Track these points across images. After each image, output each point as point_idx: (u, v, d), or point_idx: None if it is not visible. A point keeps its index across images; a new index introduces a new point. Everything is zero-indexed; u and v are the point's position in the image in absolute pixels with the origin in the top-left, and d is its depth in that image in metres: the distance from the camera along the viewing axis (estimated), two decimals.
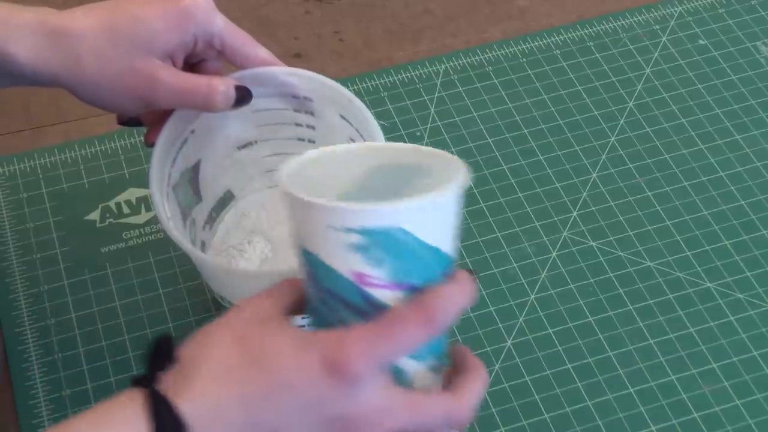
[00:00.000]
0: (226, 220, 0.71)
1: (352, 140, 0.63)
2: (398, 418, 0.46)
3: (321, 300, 0.47)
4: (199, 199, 0.67)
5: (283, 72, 0.62)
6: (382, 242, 0.44)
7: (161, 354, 0.46)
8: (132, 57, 0.57)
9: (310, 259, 0.46)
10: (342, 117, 0.63)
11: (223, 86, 0.59)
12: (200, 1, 0.58)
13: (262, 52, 0.61)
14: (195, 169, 0.66)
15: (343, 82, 0.83)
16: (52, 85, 0.58)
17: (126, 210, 0.75)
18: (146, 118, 0.63)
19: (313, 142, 0.66)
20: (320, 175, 0.49)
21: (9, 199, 0.76)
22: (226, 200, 0.71)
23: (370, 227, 0.44)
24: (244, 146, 0.68)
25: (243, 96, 0.60)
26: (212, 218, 0.70)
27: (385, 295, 0.45)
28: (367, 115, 0.61)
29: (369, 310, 0.45)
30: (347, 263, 0.45)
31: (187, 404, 0.44)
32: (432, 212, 0.45)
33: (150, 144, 0.62)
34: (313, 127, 0.65)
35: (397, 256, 0.45)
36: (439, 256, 0.46)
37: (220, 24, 0.59)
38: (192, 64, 0.61)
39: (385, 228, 0.44)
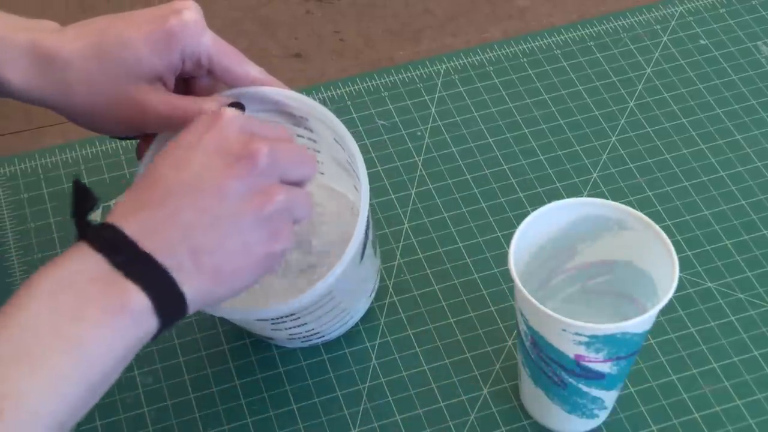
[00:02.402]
0: None
1: (348, 163, 0.63)
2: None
3: (539, 357, 0.59)
4: None
5: (276, 93, 0.61)
6: (604, 341, 0.56)
7: (80, 197, 0.52)
8: (120, 84, 0.57)
9: (536, 335, 0.58)
10: (335, 141, 0.63)
11: (215, 110, 0.58)
12: (187, 20, 0.57)
13: (253, 70, 0.60)
14: None
15: (344, 82, 0.83)
16: (48, 108, 0.59)
17: None
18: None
19: (319, 152, 0.66)
20: (534, 228, 0.60)
21: (10, 200, 0.76)
22: None
23: (598, 335, 0.56)
24: None
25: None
26: None
27: (598, 365, 0.58)
28: (354, 150, 0.60)
29: (582, 372, 0.58)
30: (572, 350, 0.57)
31: (121, 218, 0.50)
32: (649, 320, 0.57)
33: (141, 157, 0.62)
34: (314, 140, 0.65)
35: (615, 345, 0.57)
36: (646, 332, 0.58)
37: (208, 43, 0.58)
38: (185, 79, 0.61)
39: (609, 334, 0.56)
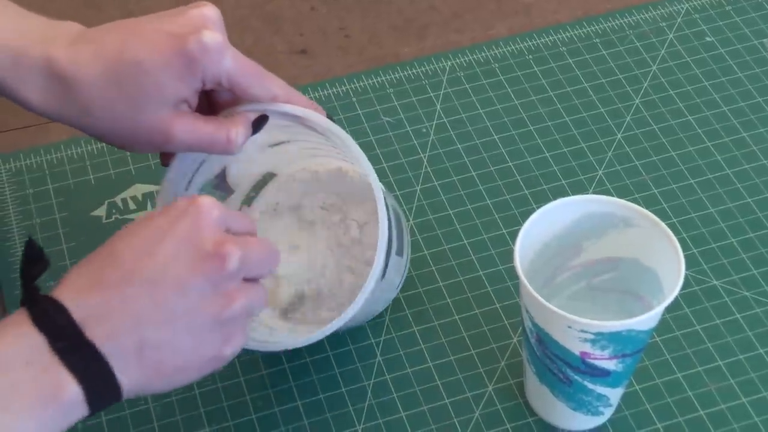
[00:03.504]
0: (265, 195, 0.70)
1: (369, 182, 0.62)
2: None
3: (545, 354, 0.59)
4: (230, 192, 0.67)
5: (297, 111, 0.60)
6: (610, 338, 0.56)
7: (31, 260, 0.49)
8: (142, 111, 0.55)
9: (542, 332, 0.58)
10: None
11: (242, 134, 0.58)
12: (208, 43, 0.55)
13: (275, 88, 0.59)
14: (221, 175, 0.66)
15: (349, 79, 0.84)
16: (69, 126, 0.58)
17: (132, 206, 0.76)
18: None
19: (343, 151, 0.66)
20: (539, 226, 0.60)
21: (15, 195, 0.77)
22: (266, 180, 0.69)
23: (603, 332, 0.56)
24: (277, 144, 0.67)
25: (260, 125, 0.60)
26: (250, 198, 0.69)
27: (603, 363, 0.58)
28: (373, 180, 0.59)
29: (587, 369, 0.58)
30: (577, 347, 0.57)
31: (68, 294, 0.47)
32: (655, 317, 0.57)
33: (167, 164, 0.62)
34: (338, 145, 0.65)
35: (620, 343, 0.57)
36: (652, 329, 0.58)
37: (228, 65, 0.56)
38: (206, 91, 0.59)
39: (615, 331, 0.56)
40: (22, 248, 0.50)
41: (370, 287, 0.58)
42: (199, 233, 0.50)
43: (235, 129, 0.58)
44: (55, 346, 0.47)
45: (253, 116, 0.59)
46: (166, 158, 0.62)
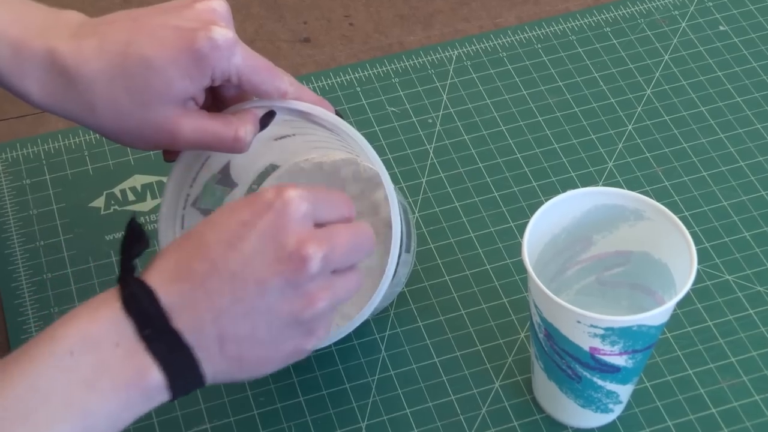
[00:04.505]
0: (268, 185, 0.70)
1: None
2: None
3: (553, 350, 0.59)
4: (233, 186, 0.68)
5: (307, 108, 0.60)
6: (620, 333, 0.56)
7: (133, 239, 0.50)
8: (149, 109, 0.55)
9: (550, 327, 0.58)
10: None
11: (250, 132, 0.58)
12: (218, 39, 0.55)
13: (284, 85, 0.59)
14: (225, 169, 0.66)
15: (354, 68, 0.84)
16: (72, 122, 0.58)
17: (131, 197, 0.76)
18: None
19: (352, 147, 0.66)
20: (548, 219, 0.60)
21: (12, 186, 0.77)
22: (268, 172, 0.70)
23: (613, 327, 0.56)
24: (282, 138, 0.67)
25: (267, 122, 0.60)
26: (252, 191, 0.69)
27: (613, 359, 0.58)
28: (385, 178, 0.59)
29: (596, 366, 0.58)
30: (586, 342, 0.57)
31: (157, 279, 0.49)
32: (666, 312, 0.57)
33: (169, 159, 0.62)
34: (347, 141, 0.65)
35: (631, 338, 0.57)
36: (663, 325, 0.58)
37: (239, 63, 0.56)
38: (214, 87, 0.59)
39: (625, 327, 0.56)
40: (125, 227, 0.51)
41: (383, 290, 0.59)
42: (282, 231, 0.50)
43: (243, 127, 0.58)
44: (142, 332, 0.49)
45: (260, 113, 0.59)
46: (169, 154, 0.62)
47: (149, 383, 0.49)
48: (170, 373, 0.49)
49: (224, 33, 0.55)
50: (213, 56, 0.55)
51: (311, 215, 0.51)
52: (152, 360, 0.49)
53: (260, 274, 0.50)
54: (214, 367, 0.50)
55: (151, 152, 0.78)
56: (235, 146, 0.58)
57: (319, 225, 0.52)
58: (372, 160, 0.60)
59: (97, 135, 0.79)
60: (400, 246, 0.60)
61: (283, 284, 0.50)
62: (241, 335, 0.50)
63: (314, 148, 0.69)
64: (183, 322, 0.49)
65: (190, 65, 0.55)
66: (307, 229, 0.51)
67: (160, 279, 0.50)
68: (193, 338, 0.49)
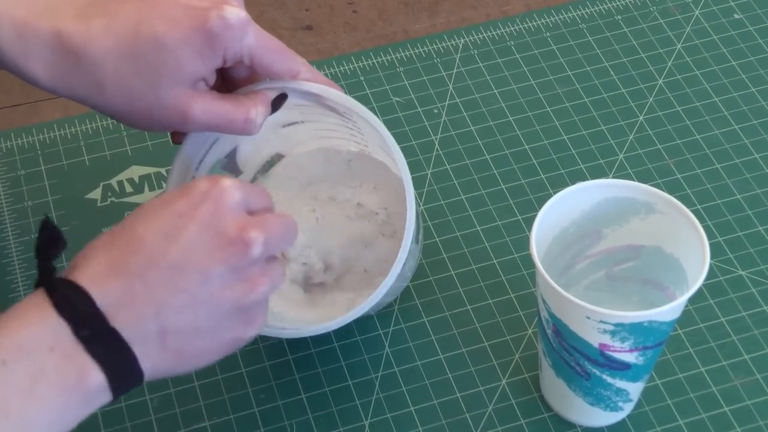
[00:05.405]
0: (274, 174, 0.70)
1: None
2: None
3: (562, 347, 0.59)
4: (238, 173, 0.68)
5: (319, 90, 0.60)
6: (631, 329, 0.56)
7: (48, 239, 0.50)
8: (160, 89, 0.55)
9: (559, 323, 0.58)
10: (380, 146, 0.63)
11: (262, 114, 0.58)
12: (230, 19, 0.55)
13: (297, 66, 0.59)
14: (231, 155, 0.66)
15: (357, 57, 0.84)
16: (78, 103, 0.58)
17: (128, 189, 0.76)
18: None
19: (366, 146, 0.66)
20: (557, 212, 0.60)
21: (6, 177, 0.77)
22: (273, 161, 0.70)
23: (623, 323, 0.56)
24: (290, 124, 0.67)
25: (279, 104, 0.60)
26: (255, 180, 0.70)
27: (623, 355, 0.58)
28: (400, 161, 0.60)
29: (606, 362, 0.58)
30: (596, 339, 0.57)
31: (86, 277, 0.48)
32: (678, 308, 0.57)
33: (177, 141, 0.62)
34: (359, 128, 0.65)
35: (641, 334, 0.57)
36: (674, 321, 0.58)
37: (251, 42, 0.56)
38: (224, 68, 0.59)
39: (636, 322, 0.56)
40: (39, 228, 0.50)
41: (391, 280, 0.59)
42: (221, 218, 0.50)
43: (255, 108, 0.58)
44: (79, 333, 0.48)
45: (273, 95, 0.59)
46: (176, 136, 0.62)
47: (89, 385, 0.48)
48: (111, 374, 0.49)
49: (237, 12, 0.55)
50: (225, 36, 0.55)
51: (245, 203, 0.52)
52: (92, 361, 0.48)
53: (202, 263, 0.50)
54: (153, 363, 0.50)
55: (149, 143, 0.78)
56: (246, 128, 0.58)
57: (249, 214, 0.53)
58: (389, 145, 0.60)
59: (94, 125, 0.79)
60: (412, 235, 0.60)
61: (224, 271, 0.50)
62: (183, 328, 0.50)
63: (321, 138, 0.70)
64: (121, 319, 0.49)
65: (202, 45, 0.55)
66: (243, 216, 0.51)
67: (92, 276, 0.49)
68: (132, 335, 0.49)
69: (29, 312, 0.49)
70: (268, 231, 0.52)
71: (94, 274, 0.49)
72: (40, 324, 0.48)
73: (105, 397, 0.49)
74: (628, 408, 0.64)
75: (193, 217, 0.50)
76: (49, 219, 0.51)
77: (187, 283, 0.50)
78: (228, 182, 0.51)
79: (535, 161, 0.77)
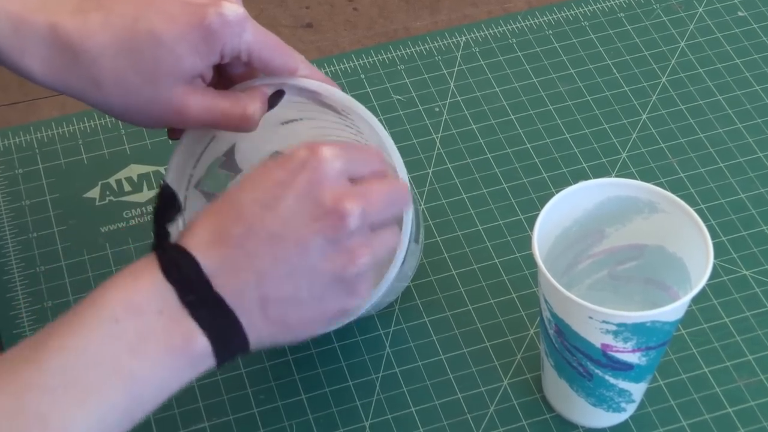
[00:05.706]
0: None
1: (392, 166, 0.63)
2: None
3: (564, 347, 0.59)
4: (237, 172, 0.68)
5: (316, 86, 0.60)
6: (633, 329, 0.56)
7: (166, 204, 0.52)
8: (157, 86, 0.56)
9: (561, 323, 0.58)
10: (378, 144, 0.62)
11: (259, 110, 0.58)
12: (228, 15, 0.55)
13: (294, 63, 0.59)
14: (229, 153, 0.66)
15: (358, 54, 0.83)
16: (75, 99, 0.58)
17: (127, 187, 0.76)
18: None
19: (362, 132, 0.66)
20: (559, 211, 0.60)
21: (4, 175, 0.77)
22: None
23: (626, 323, 0.56)
24: (289, 122, 0.67)
25: (276, 101, 0.60)
26: None
27: (626, 356, 0.58)
28: (397, 161, 0.59)
29: (609, 363, 0.58)
30: (598, 339, 0.57)
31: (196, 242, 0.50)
32: (681, 308, 0.57)
33: (174, 138, 0.62)
34: (358, 127, 0.65)
35: (644, 335, 0.57)
36: (678, 321, 0.58)
37: (249, 39, 0.57)
38: (221, 65, 0.59)
39: (639, 322, 0.56)
40: (157, 193, 0.53)
41: (391, 276, 0.59)
42: (318, 188, 0.51)
43: (252, 105, 0.58)
44: (185, 298, 0.50)
45: (270, 91, 0.59)
46: (174, 132, 0.62)
47: (195, 350, 0.50)
48: (215, 339, 0.50)
49: (234, 9, 0.56)
50: (223, 32, 0.55)
51: (345, 171, 0.52)
52: (196, 326, 0.50)
53: (299, 234, 0.50)
54: (258, 331, 0.51)
55: (148, 141, 0.78)
56: (243, 124, 0.59)
57: (353, 181, 0.53)
58: (385, 144, 0.60)
59: (92, 123, 0.79)
60: (409, 234, 0.60)
61: (323, 242, 0.51)
62: (284, 297, 0.51)
63: (321, 135, 0.69)
64: (225, 287, 0.50)
65: (199, 41, 0.55)
66: (342, 186, 0.52)
67: (198, 244, 0.50)
68: (235, 303, 0.50)
69: (140, 274, 0.50)
70: (368, 201, 0.52)
71: (200, 241, 0.50)
72: (151, 287, 0.50)
73: (209, 361, 0.50)
74: (630, 409, 0.64)
75: (291, 186, 0.51)
76: (167, 184, 0.53)
77: (286, 253, 0.50)
78: (327, 150, 0.52)
79: (537, 160, 0.77)
